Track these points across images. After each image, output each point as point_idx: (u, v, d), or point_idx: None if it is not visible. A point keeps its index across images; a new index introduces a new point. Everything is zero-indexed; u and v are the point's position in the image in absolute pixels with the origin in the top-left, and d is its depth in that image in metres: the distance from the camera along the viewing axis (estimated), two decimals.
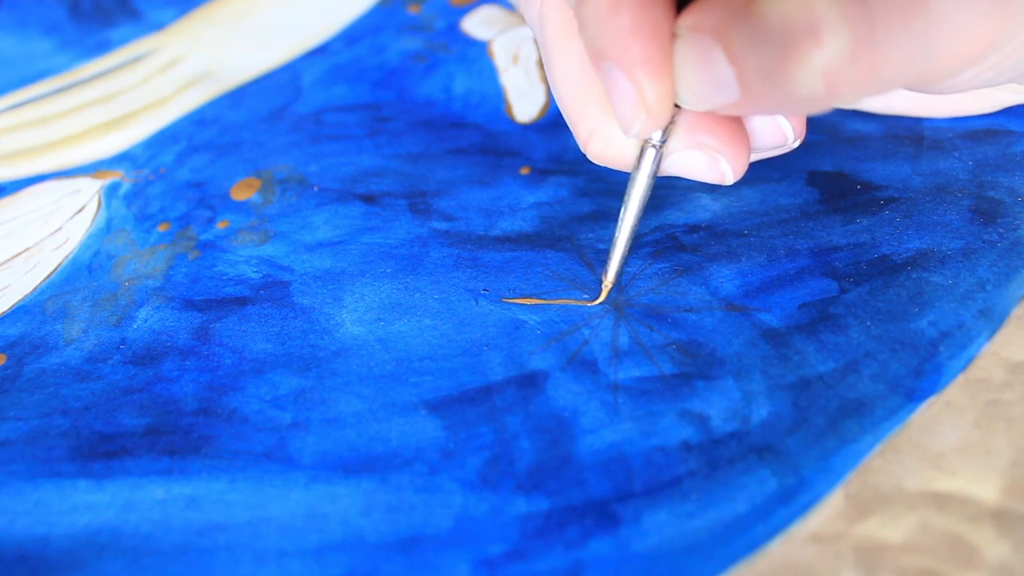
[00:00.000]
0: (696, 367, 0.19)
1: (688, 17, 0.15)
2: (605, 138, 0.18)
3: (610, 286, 0.20)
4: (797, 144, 0.19)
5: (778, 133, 0.19)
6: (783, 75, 0.14)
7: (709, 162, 0.18)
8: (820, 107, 0.14)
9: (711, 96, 0.15)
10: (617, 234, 0.19)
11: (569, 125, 0.19)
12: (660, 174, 0.18)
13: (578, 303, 0.21)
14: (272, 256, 0.23)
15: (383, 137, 0.28)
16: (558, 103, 0.19)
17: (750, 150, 0.18)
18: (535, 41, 0.31)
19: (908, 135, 0.25)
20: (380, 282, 0.22)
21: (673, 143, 0.18)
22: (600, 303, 0.20)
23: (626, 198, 0.19)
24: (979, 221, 0.21)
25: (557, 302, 0.21)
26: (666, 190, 0.24)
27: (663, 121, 0.16)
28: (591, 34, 0.15)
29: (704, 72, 0.15)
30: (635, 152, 0.18)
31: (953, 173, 0.23)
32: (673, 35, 0.15)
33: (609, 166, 0.19)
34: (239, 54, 0.34)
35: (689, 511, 0.16)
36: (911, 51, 0.14)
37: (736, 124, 0.18)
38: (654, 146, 0.18)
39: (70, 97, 0.33)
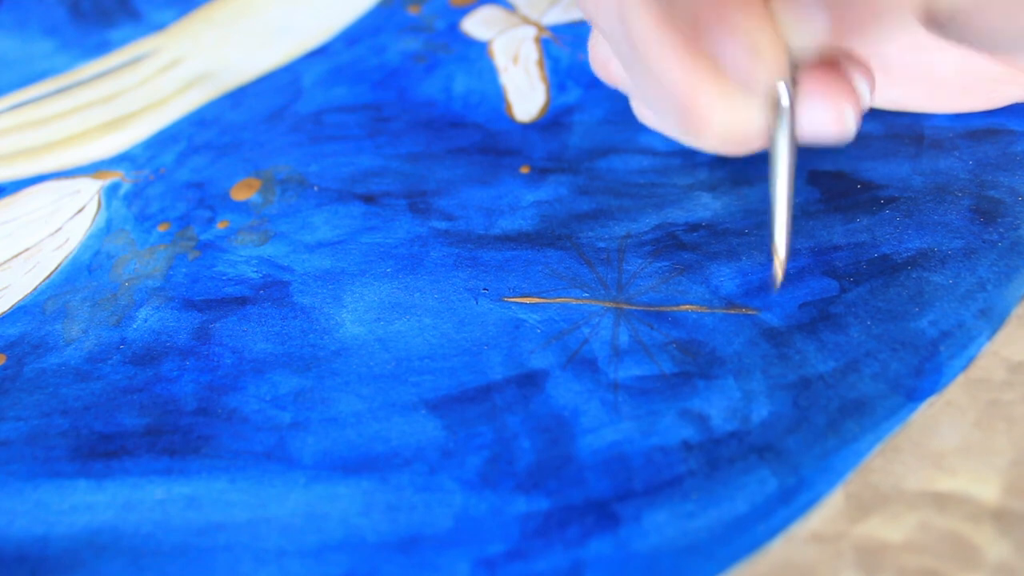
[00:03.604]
0: (696, 366, 0.19)
1: None
2: (727, 115, 0.17)
3: (783, 264, 0.19)
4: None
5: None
6: None
7: (835, 116, 0.17)
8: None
9: (807, 27, 0.15)
10: (775, 209, 0.18)
11: (684, 118, 0.18)
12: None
13: (579, 301, 0.21)
14: (272, 256, 0.23)
15: (383, 137, 0.28)
16: (671, 96, 0.18)
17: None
18: (537, 41, 0.31)
19: (908, 134, 0.25)
20: (380, 282, 0.22)
21: (798, 105, 0.17)
22: (779, 288, 0.20)
23: (773, 169, 0.18)
24: (979, 221, 0.21)
25: (557, 300, 0.21)
26: (666, 188, 0.24)
27: (782, 66, 0.16)
28: (684, 9, 0.15)
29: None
30: (764, 123, 0.18)
31: (953, 172, 0.23)
32: None
33: (738, 149, 0.18)
34: (239, 55, 0.34)
35: (689, 511, 0.16)
36: None
37: (845, 74, 0.18)
38: (785, 107, 0.17)
39: (70, 97, 0.33)
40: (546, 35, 0.32)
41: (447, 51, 0.32)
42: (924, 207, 0.22)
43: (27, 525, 0.17)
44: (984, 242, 0.21)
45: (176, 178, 0.27)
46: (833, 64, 0.17)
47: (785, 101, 0.17)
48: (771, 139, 0.18)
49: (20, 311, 0.23)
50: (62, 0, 0.39)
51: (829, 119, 0.17)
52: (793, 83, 0.17)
